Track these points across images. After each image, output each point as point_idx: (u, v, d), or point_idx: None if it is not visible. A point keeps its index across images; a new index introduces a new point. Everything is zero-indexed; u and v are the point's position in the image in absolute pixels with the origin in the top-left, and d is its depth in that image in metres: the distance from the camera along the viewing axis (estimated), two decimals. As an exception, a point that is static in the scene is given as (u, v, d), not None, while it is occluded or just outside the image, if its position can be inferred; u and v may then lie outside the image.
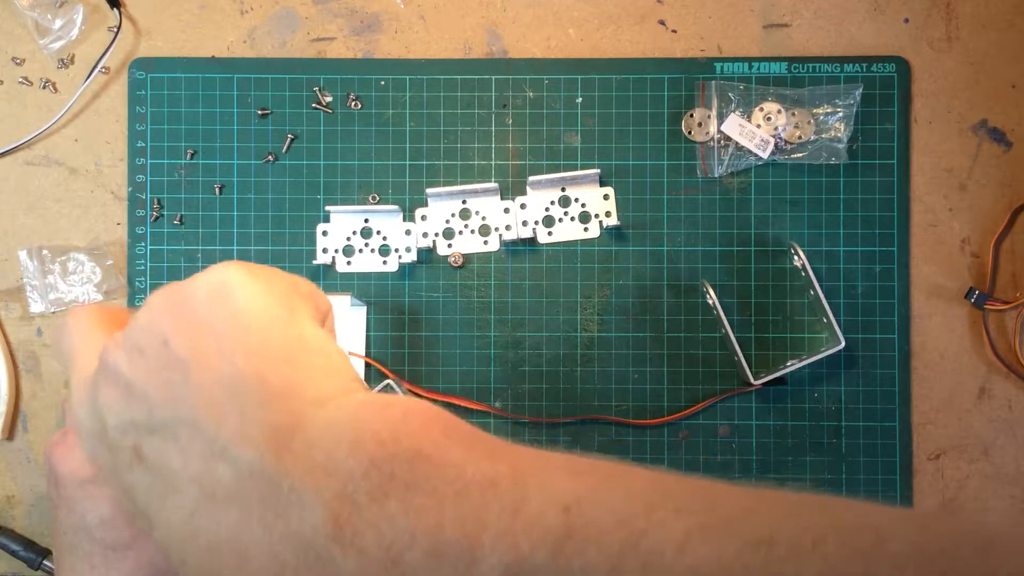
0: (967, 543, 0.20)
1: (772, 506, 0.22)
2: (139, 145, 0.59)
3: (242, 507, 0.25)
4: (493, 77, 0.59)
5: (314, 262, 0.58)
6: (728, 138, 0.58)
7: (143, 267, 0.58)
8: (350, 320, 0.57)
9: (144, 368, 0.28)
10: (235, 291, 0.28)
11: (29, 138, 0.58)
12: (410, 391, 0.57)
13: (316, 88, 0.59)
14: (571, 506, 0.23)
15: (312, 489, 0.24)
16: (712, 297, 0.57)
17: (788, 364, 0.57)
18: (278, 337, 0.28)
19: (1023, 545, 0.20)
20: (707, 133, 0.58)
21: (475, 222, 0.58)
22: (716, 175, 0.58)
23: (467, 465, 0.24)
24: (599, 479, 0.24)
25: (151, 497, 0.28)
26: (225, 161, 0.59)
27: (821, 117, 0.58)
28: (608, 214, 0.58)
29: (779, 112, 0.58)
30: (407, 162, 0.59)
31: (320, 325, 0.31)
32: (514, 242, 0.58)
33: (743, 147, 0.58)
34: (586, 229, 0.58)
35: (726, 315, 0.57)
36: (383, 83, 0.59)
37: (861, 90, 0.58)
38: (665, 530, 0.22)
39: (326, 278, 0.58)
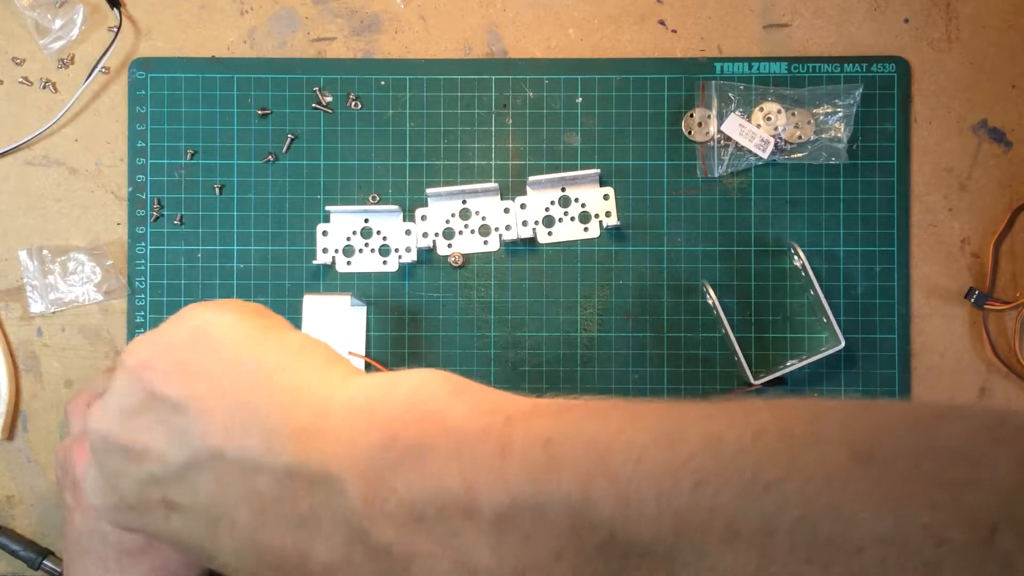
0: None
1: (729, 410, 0.24)
2: (139, 145, 0.59)
3: (292, 510, 0.26)
4: (493, 77, 0.59)
5: (314, 262, 0.58)
6: (728, 138, 0.58)
7: (143, 267, 0.58)
8: (350, 320, 0.57)
9: (139, 426, 0.28)
10: (211, 327, 0.29)
11: (29, 138, 0.58)
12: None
13: (316, 88, 0.59)
14: (551, 438, 0.24)
15: (342, 473, 0.25)
16: (712, 297, 0.57)
17: (788, 364, 0.57)
18: (267, 353, 0.29)
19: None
20: (707, 133, 0.58)
21: (475, 222, 0.58)
22: (716, 175, 0.58)
23: (468, 420, 0.26)
24: (581, 414, 0.25)
25: (199, 536, 0.28)
26: (225, 161, 0.59)
27: (821, 117, 0.58)
28: (608, 214, 0.58)
29: (779, 112, 0.58)
30: (407, 162, 0.59)
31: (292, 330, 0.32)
32: (514, 242, 0.58)
33: (743, 147, 0.58)
34: (586, 229, 0.58)
35: (726, 315, 0.57)
36: (383, 83, 0.59)
37: (861, 90, 0.58)
38: (628, 446, 0.23)
39: (326, 278, 0.58)
